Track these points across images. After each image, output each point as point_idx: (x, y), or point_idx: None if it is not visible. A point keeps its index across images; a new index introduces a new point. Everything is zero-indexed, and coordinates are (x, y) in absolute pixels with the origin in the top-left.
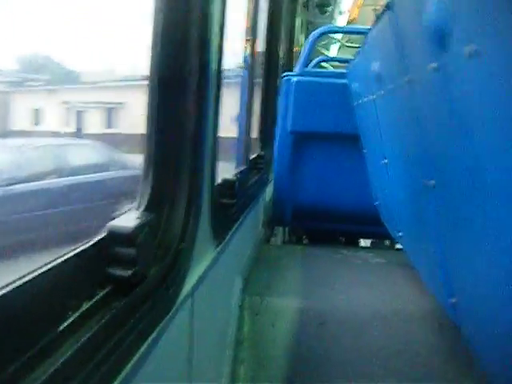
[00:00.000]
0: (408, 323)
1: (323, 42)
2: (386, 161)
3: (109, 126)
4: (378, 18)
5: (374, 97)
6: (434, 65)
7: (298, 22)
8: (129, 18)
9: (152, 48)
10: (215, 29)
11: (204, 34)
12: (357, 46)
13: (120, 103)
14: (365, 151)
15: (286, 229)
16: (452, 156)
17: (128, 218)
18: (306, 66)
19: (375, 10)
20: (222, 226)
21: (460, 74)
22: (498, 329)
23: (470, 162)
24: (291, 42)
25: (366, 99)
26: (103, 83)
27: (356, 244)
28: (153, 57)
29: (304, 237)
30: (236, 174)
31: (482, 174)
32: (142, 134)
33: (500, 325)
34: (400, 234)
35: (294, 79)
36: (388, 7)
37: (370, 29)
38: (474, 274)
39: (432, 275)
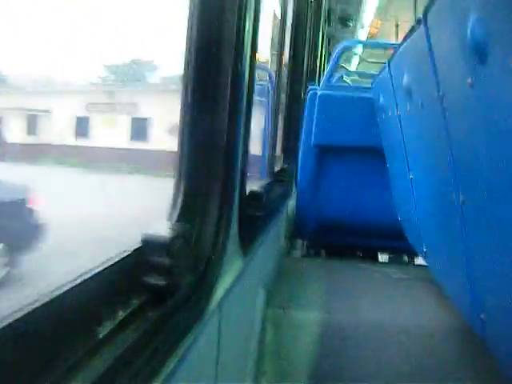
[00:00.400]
0: (431, 338)
1: (344, 57)
2: (411, 176)
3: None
4: (409, 32)
5: (400, 111)
6: (469, 80)
7: (321, 36)
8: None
9: (185, 61)
10: (248, 41)
11: (238, 47)
12: (377, 61)
13: (45, 110)
14: (388, 166)
15: (305, 242)
16: (484, 172)
17: (161, 228)
18: (331, 79)
19: (397, 25)
20: (250, 238)
21: (497, 89)
22: None
23: (502, 178)
24: (315, 56)
25: (391, 113)
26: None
27: (374, 258)
28: (186, 69)
29: (322, 250)
30: (263, 186)
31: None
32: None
33: None
34: (425, 249)
35: (318, 93)
36: (420, 22)
37: (400, 43)
38: (503, 290)
39: (459, 291)
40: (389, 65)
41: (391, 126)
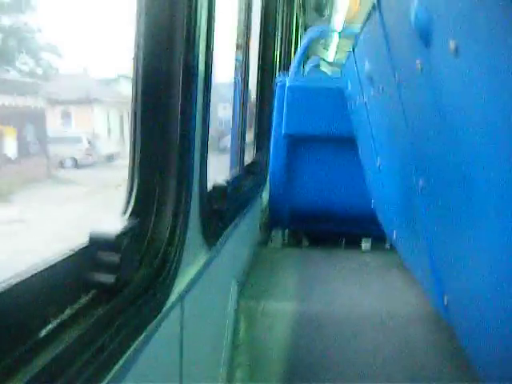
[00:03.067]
0: (405, 324)
1: (322, 41)
2: (379, 162)
3: None
4: (367, 18)
5: (366, 98)
6: (419, 63)
7: (295, 24)
8: None
9: (135, 50)
10: (202, 32)
11: (190, 35)
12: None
13: None
14: (360, 153)
15: (286, 231)
16: (439, 156)
17: (111, 224)
18: (301, 68)
19: None
20: (214, 231)
21: (443, 71)
22: (488, 328)
23: (456, 161)
24: (289, 45)
25: (358, 101)
26: None
27: (357, 245)
28: (136, 59)
29: (304, 239)
30: (227, 180)
31: (468, 173)
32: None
33: (491, 324)
34: (394, 234)
35: (287, 84)
36: (374, 7)
37: (359, 30)
38: (464, 274)
39: (424, 276)
40: (353, 52)
41: (360, 113)
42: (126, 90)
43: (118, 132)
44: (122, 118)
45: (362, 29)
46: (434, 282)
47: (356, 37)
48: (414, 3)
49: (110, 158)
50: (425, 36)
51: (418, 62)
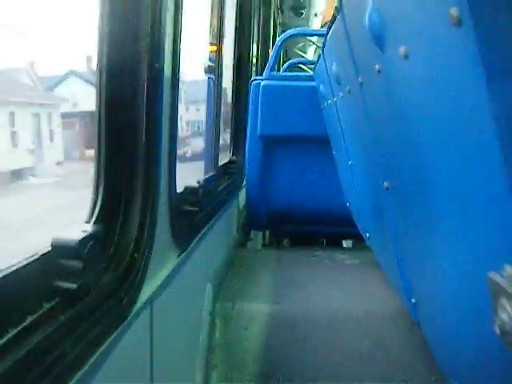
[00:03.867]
0: (380, 323)
1: (300, 45)
2: (350, 163)
3: None
4: (332, 20)
5: (335, 99)
6: (377, 66)
7: (272, 25)
8: None
9: (98, 51)
10: (169, 31)
11: (155, 39)
12: None
13: None
14: (334, 153)
15: (267, 233)
16: (400, 157)
17: (74, 231)
18: (276, 69)
19: None
20: (186, 234)
21: (397, 75)
22: (452, 328)
23: (417, 162)
24: (265, 45)
25: (329, 101)
26: None
27: (338, 245)
28: (100, 61)
29: (285, 240)
30: (200, 181)
31: (429, 173)
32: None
33: (454, 325)
34: (367, 235)
35: (262, 83)
36: (337, 10)
37: (326, 31)
38: (430, 274)
39: (394, 276)
40: (323, 53)
41: (331, 113)
42: (77, 88)
43: (33, 140)
44: (39, 122)
45: (327, 30)
46: (402, 282)
47: (324, 38)
48: (369, 9)
49: (18, 175)
50: (379, 41)
51: (376, 65)
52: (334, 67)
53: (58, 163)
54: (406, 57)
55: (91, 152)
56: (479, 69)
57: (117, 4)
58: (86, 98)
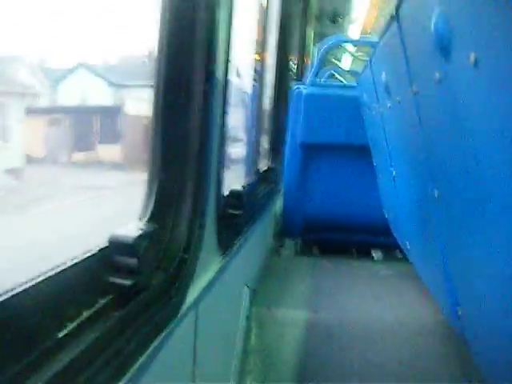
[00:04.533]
0: (416, 335)
1: (335, 53)
2: (394, 172)
3: None
4: (385, 29)
5: (381, 109)
6: (438, 75)
7: (310, 33)
8: None
9: (157, 58)
10: (221, 38)
11: (210, 44)
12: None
13: None
14: (374, 163)
15: (298, 240)
16: (455, 166)
17: (130, 229)
18: (317, 77)
19: None
20: (229, 237)
21: (462, 83)
22: (502, 341)
23: (472, 171)
24: (303, 53)
25: (374, 111)
26: None
27: (368, 255)
28: (158, 66)
29: (315, 247)
30: (244, 186)
31: (485, 184)
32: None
33: (504, 337)
34: (407, 245)
35: (304, 91)
36: (393, 18)
37: (377, 40)
38: (478, 285)
39: (438, 286)
40: (370, 62)
41: (375, 123)
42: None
43: None
44: None
45: (379, 39)
46: (447, 293)
47: (373, 47)
48: (434, 15)
49: None
50: (444, 48)
51: (436, 73)
52: (383, 76)
53: (11, 171)
54: (475, 64)
55: (80, 156)
56: None
57: (175, 11)
58: (94, 93)
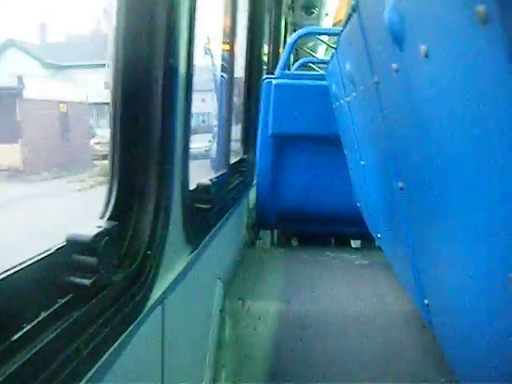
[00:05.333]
0: (390, 324)
1: (311, 44)
2: (362, 162)
3: None
4: (347, 19)
5: (348, 98)
6: (394, 66)
7: (283, 23)
8: None
9: (114, 50)
10: (183, 30)
11: (170, 36)
12: None
13: None
14: (345, 153)
15: (275, 232)
16: (416, 157)
17: (88, 227)
18: (288, 68)
19: None
20: (198, 231)
21: (416, 74)
22: (466, 330)
23: (433, 162)
24: (277, 43)
25: (342, 101)
26: None
27: (346, 245)
28: (115, 59)
29: (294, 239)
30: (212, 179)
31: (446, 173)
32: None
33: (469, 326)
34: (378, 235)
35: (274, 82)
36: (354, 9)
37: (341, 30)
38: (444, 275)
39: (407, 277)
40: (336, 52)
41: (343, 113)
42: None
43: None
44: None
45: (342, 29)
46: (415, 284)
47: (338, 37)
48: (388, 7)
49: None
50: (398, 40)
51: (393, 64)
52: (347, 66)
53: None
54: (427, 56)
55: None
56: (508, 68)
57: (133, 1)
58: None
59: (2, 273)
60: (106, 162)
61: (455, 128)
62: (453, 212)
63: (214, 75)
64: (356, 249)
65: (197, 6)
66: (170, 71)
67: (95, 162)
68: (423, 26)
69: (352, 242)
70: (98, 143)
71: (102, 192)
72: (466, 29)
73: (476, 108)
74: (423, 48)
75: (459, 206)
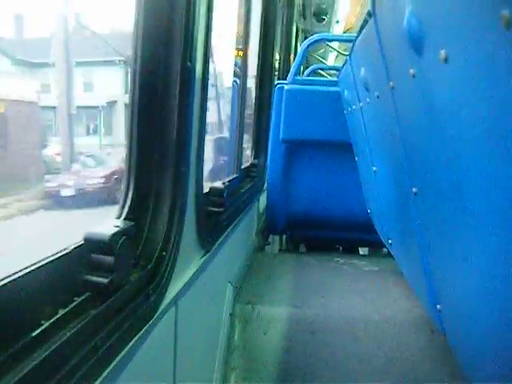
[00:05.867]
0: (399, 330)
1: (321, 51)
2: (374, 168)
3: None
4: (363, 25)
5: (361, 104)
6: (412, 71)
7: (294, 30)
8: None
9: (133, 53)
10: (200, 34)
11: (188, 40)
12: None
13: None
14: (357, 159)
15: (284, 237)
16: (432, 163)
17: (105, 226)
18: (299, 74)
19: None
20: (210, 234)
21: (435, 79)
22: (480, 336)
23: (449, 168)
24: (288, 50)
25: (354, 107)
26: None
27: (354, 252)
28: (134, 62)
29: (301, 245)
30: (225, 182)
31: (462, 180)
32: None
33: (482, 332)
34: (390, 241)
35: (286, 87)
36: (370, 15)
37: (356, 36)
38: (457, 281)
39: (419, 282)
40: (350, 58)
41: (356, 119)
42: None
43: None
44: None
45: (357, 35)
46: (427, 290)
47: (352, 43)
48: (407, 12)
49: None
50: (417, 45)
51: (411, 69)
52: (362, 72)
53: None
54: (446, 61)
55: None
56: None
57: (152, 4)
58: None
59: (21, 270)
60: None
61: (473, 135)
62: (467, 218)
63: (215, 82)
64: (364, 256)
65: (213, 8)
66: (188, 74)
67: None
68: (443, 31)
69: (360, 249)
70: (59, 154)
71: (26, 225)
72: (489, 33)
73: (496, 115)
74: (442, 53)
75: (474, 213)
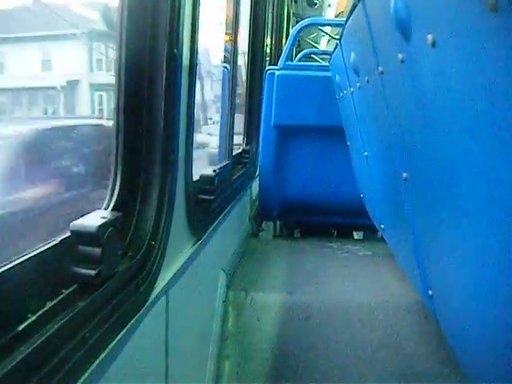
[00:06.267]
0: (393, 315)
1: (313, 35)
2: (366, 153)
3: None
4: (352, 9)
5: (352, 89)
6: (400, 56)
7: (285, 14)
8: None
9: (118, 40)
10: (187, 20)
11: (174, 26)
12: None
13: None
14: (348, 144)
15: (278, 223)
16: (421, 147)
17: (93, 218)
18: (291, 59)
19: None
20: (201, 222)
21: (423, 64)
22: (471, 321)
23: (439, 153)
24: (279, 35)
25: (345, 91)
26: None
27: (349, 237)
28: (119, 49)
29: (296, 230)
30: (216, 170)
31: (451, 165)
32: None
33: (474, 317)
34: (382, 226)
35: (277, 73)
36: None
37: (345, 20)
38: (448, 266)
39: (410, 267)
40: (340, 43)
41: (347, 103)
42: None
43: None
44: None
45: (347, 20)
46: (419, 274)
47: (342, 27)
48: None
49: None
50: (404, 29)
51: (399, 55)
52: (352, 57)
53: None
54: (434, 45)
55: None
56: None
57: None
58: None
59: (7, 263)
60: None
61: (461, 118)
62: (457, 202)
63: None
64: (359, 240)
65: None
66: (174, 61)
67: None
68: (430, 15)
69: (354, 233)
70: None
71: None
72: (476, 17)
73: (484, 98)
74: (430, 37)
75: (464, 197)
